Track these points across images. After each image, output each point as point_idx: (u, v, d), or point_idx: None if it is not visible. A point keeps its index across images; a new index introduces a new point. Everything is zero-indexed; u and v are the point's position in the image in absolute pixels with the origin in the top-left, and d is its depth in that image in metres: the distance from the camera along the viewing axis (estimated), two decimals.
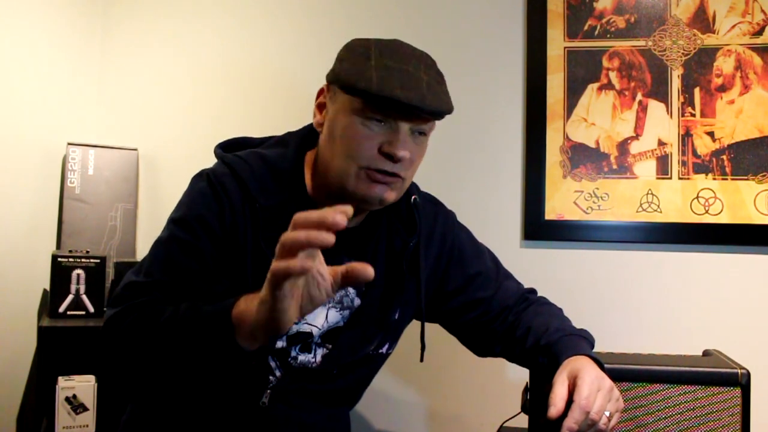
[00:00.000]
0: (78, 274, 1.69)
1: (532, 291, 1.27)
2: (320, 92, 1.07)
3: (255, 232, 1.01)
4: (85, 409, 1.52)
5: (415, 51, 1.04)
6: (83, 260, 1.70)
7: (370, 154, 0.99)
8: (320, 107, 1.07)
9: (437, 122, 1.05)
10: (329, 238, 0.73)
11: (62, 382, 1.52)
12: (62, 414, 1.50)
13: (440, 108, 0.98)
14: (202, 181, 1.05)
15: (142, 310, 0.95)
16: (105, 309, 1.73)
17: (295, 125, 1.20)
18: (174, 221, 1.03)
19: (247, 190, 1.02)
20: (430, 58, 1.05)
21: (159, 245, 1.03)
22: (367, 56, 0.99)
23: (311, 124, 1.16)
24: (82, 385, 1.53)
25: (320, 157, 1.06)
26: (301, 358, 1.09)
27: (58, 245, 1.83)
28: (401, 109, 0.96)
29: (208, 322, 0.87)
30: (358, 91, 0.96)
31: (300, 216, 0.75)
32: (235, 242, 1.01)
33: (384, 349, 1.17)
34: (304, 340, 1.09)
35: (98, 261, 1.71)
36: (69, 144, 1.86)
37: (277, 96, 1.93)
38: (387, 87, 0.95)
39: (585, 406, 0.94)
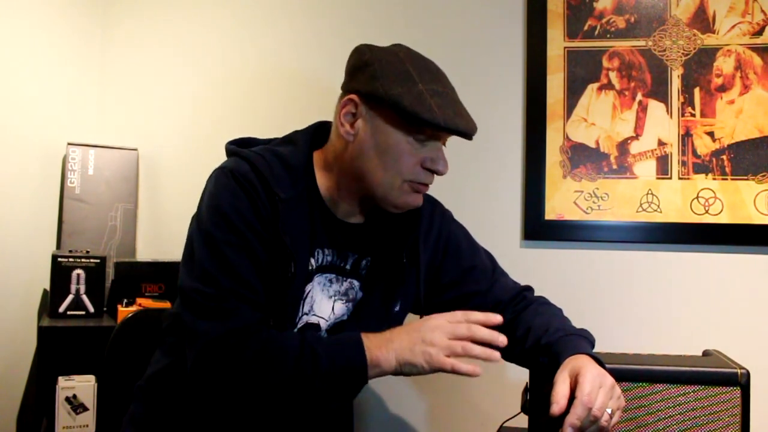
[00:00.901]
0: (78, 274, 1.69)
1: (529, 289, 1.28)
2: (349, 102, 1.08)
3: (275, 223, 1.04)
4: (85, 409, 1.52)
5: (442, 72, 1.11)
6: (83, 260, 1.70)
7: (415, 169, 1.07)
8: (351, 116, 1.08)
9: None
10: (496, 357, 1.01)
11: (62, 382, 1.52)
12: (62, 414, 1.50)
13: (475, 129, 1.08)
14: (227, 178, 1.05)
15: (258, 344, 0.99)
16: (105, 309, 1.75)
17: (295, 124, 1.20)
18: (216, 224, 1.03)
19: (267, 184, 1.05)
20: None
21: (210, 249, 1.03)
22: (410, 76, 1.05)
23: (316, 124, 1.18)
24: (82, 385, 1.53)
25: (350, 167, 1.09)
26: None
27: (58, 245, 1.83)
28: (454, 134, 1.06)
29: (346, 373, 1.00)
30: (422, 121, 1.02)
31: (474, 331, 1.01)
32: (266, 233, 1.04)
33: None
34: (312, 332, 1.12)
35: (98, 261, 1.71)
36: (69, 144, 1.86)
37: (277, 96, 1.93)
38: (450, 119, 1.03)
39: (587, 403, 0.94)
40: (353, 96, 1.07)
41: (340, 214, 1.14)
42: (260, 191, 1.04)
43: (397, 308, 1.18)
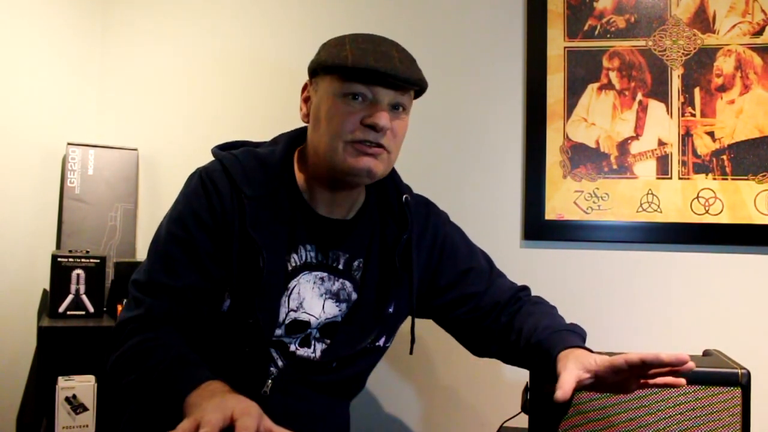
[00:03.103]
0: (78, 274, 1.69)
1: (525, 289, 1.27)
2: (304, 88, 1.15)
3: (242, 221, 1.06)
4: (85, 409, 1.52)
5: (388, 39, 1.10)
6: (83, 260, 1.70)
7: (353, 127, 1.05)
8: (306, 100, 1.15)
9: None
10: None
11: (62, 382, 1.52)
12: (62, 414, 1.50)
13: (413, 76, 1.05)
14: (194, 179, 1.12)
15: (138, 342, 1.02)
16: (105, 309, 1.75)
17: (295, 124, 1.20)
18: (170, 220, 1.10)
19: (234, 182, 1.08)
20: (401, 46, 1.11)
21: (157, 243, 1.10)
22: (342, 43, 1.08)
23: (305, 126, 1.18)
24: (82, 385, 1.53)
25: (309, 146, 1.13)
26: (301, 352, 1.11)
27: (58, 245, 1.83)
28: (376, 79, 1.04)
29: (165, 398, 0.94)
30: (335, 68, 1.05)
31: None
32: (225, 231, 1.07)
33: (381, 342, 1.19)
34: (302, 330, 1.12)
35: (98, 261, 1.71)
36: (69, 144, 1.86)
37: (277, 96, 1.93)
38: (361, 60, 1.03)
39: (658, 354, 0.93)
40: (306, 81, 1.14)
41: (321, 210, 1.14)
42: (224, 190, 1.08)
43: (390, 310, 1.17)
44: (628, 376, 0.97)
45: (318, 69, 1.09)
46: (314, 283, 1.13)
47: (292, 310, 1.11)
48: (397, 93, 1.07)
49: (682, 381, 0.95)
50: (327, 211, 1.14)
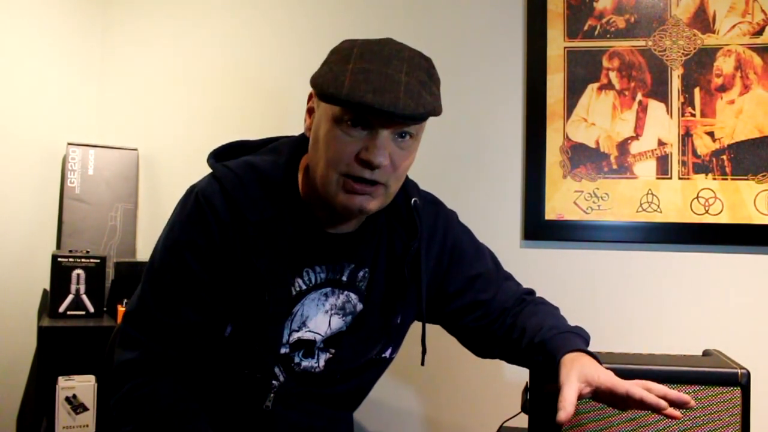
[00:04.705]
0: (78, 274, 1.69)
1: (531, 292, 1.26)
2: (310, 96, 1.04)
3: (245, 247, 1.00)
4: (85, 409, 1.52)
5: (403, 51, 0.97)
6: (83, 260, 1.70)
7: (348, 161, 0.96)
8: (309, 112, 1.05)
9: (436, 122, 1.03)
10: None
11: (62, 382, 1.52)
12: (62, 414, 1.50)
13: (416, 111, 0.92)
14: (190, 201, 1.03)
15: (133, 387, 1.00)
16: (105, 309, 1.75)
17: (294, 126, 1.19)
18: (164, 246, 1.04)
19: (236, 206, 1.00)
20: (422, 58, 0.99)
21: (152, 271, 1.04)
22: (347, 59, 0.95)
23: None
24: (82, 385, 1.53)
25: (309, 162, 1.05)
26: (305, 363, 1.09)
27: (58, 245, 1.83)
28: (374, 114, 0.92)
29: None
30: (328, 97, 0.93)
31: None
32: (225, 259, 1.01)
33: (387, 353, 1.16)
34: (308, 346, 1.09)
35: (98, 261, 1.71)
36: (69, 144, 1.86)
37: (277, 96, 1.93)
38: (357, 92, 0.90)
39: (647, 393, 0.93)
40: (312, 91, 1.03)
41: (328, 226, 1.07)
42: (223, 215, 1.00)
43: (398, 320, 1.15)
44: (626, 399, 0.97)
45: (315, 90, 0.98)
46: (318, 300, 1.09)
47: (294, 330, 1.07)
48: (398, 125, 0.95)
49: (678, 414, 0.94)
50: (334, 228, 1.07)
